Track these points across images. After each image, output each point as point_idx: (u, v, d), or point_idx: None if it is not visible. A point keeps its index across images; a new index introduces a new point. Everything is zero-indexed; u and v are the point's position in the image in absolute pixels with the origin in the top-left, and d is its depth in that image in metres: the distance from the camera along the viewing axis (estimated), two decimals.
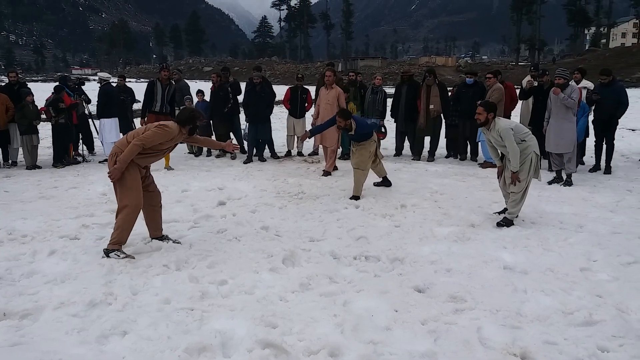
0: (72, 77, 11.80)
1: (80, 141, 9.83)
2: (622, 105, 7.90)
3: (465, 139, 9.36)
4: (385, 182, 7.18)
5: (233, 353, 2.95)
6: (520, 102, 9.18)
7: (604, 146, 8.17)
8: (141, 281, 3.89)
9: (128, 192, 4.36)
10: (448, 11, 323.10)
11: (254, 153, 9.39)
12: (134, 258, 4.29)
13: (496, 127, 5.21)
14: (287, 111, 10.05)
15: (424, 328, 3.23)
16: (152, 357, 2.88)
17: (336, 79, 8.72)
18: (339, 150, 8.87)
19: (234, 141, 9.81)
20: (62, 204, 6.29)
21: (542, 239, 4.92)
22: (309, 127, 9.11)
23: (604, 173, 8.05)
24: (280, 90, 11.49)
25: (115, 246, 4.33)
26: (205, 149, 9.93)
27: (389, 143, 10.52)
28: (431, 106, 9.04)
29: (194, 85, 12.73)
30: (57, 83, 9.39)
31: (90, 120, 10.08)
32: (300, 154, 10.02)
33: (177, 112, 8.99)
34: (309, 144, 10.56)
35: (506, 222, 5.35)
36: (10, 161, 8.93)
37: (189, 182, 7.43)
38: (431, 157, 9.43)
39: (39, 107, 8.86)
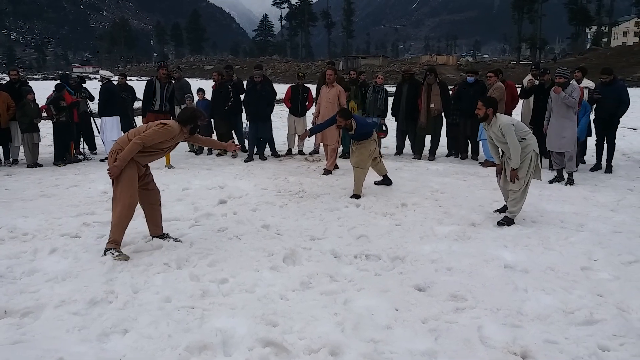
0: (73, 75, 11.82)
1: (82, 139, 9.83)
2: (623, 104, 7.88)
3: (466, 138, 9.36)
4: (386, 181, 7.18)
5: (234, 351, 2.95)
6: (521, 101, 9.16)
7: (605, 145, 8.16)
8: (142, 279, 3.89)
9: (123, 190, 4.35)
10: (449, 10, 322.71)
11: (255, 152, 9.39)
12: (127, 259, 4.27)
13: (497, 123, 5.22)
14: (287, 110, 10.05)
15: (424, 327, 3.23)
16: (153, 356, 2.89)
17: (337, 78, 8.72)
18: (340, 149, 8.86)
19: (236, 140, 9.82)
20: (63, 202, 6.30)
21: (543, 237, 4.92)
22: (309, 125, 9.10)
23: (605, 172, 8.05)
24: (281, 89, 11.51)
25: (111, 245, 4.33)
26: (206, 147, 9.93)
27: (389, 142, 10.53)
28: (432, 105, 9.04)
29: (195, 84, 12.74)
30: (58, 81, 9.39)
31: (92, 118, 10.08)
32: (301, 152, 10.02)
33: (176, 110, 9.03)
34: (309, 143, 10.56)
35: (507, 221, 5.34)
36: (11, 159, 8.94)
37: (190, 181, 7.43)
38: (432, 155, 9.43)
39: (39, 106, 8.87)
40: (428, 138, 9.44)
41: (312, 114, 9.17)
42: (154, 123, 4.51)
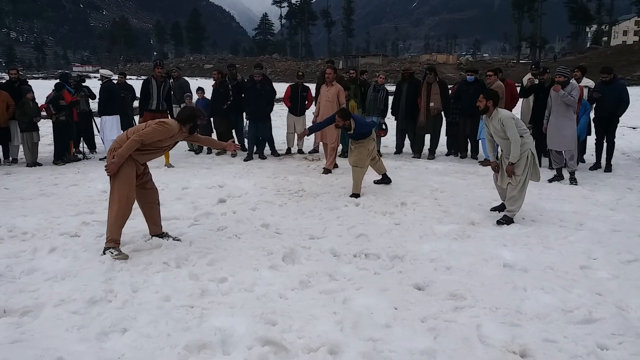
0: (72, 74, 11.81)
1: (82, 138, 9.82)
2: (623, 103, 7.89)
3: (465, 137, 9.35)
4: (385, 179, 7.18)
5: (233, 350, 2.95)
6: (520, 100, 9.16)
7: (605, 144, 8.17)
8: (141, 278, 3.89)
9: (121, 188, 4.34)
10: (449, 8, 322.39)
11: (254, 151, 9.39)
12: (126, 258, 4.27)
13: (498, 116, 5.25)
14: (287, 109, 10.05)
15: (423, 326, 3.23)
16: (152, 355, 2.89)
17: (337, 77, 8.71)
18: (339, 148, 8.86)
19: (236, 140, 9.82)
20: (63, 201, 6.29)
21: (542, 236, 4.92)
22: (309, 124, 9.10)
23: (605, 171, 8.05)
24: (281, 88, 11.49)
25: (110, 244, 4.32)
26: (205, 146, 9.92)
27: (389, 141, 10.53)
28: (431, 104, 9.03)
29: (195, 83, 12.73)
30: (57, 80, 9.38)
31: (92, 117, 10.07)
32: (300, 151, 10.02)
33: (174, 109, 9.04)
34: (309, 142, 10.55)
35: (506, 220, 5.35)
36: (10, 158, 8.94)
37: (189, 180, 7.43)
38: (431, 154, 9.43)
39: (39, 105, 8.86)
40: (428, 137, 9.44)
41: (313, 113, 9.17)
42: (153, 121, 4.50)
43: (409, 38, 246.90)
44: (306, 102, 9.85)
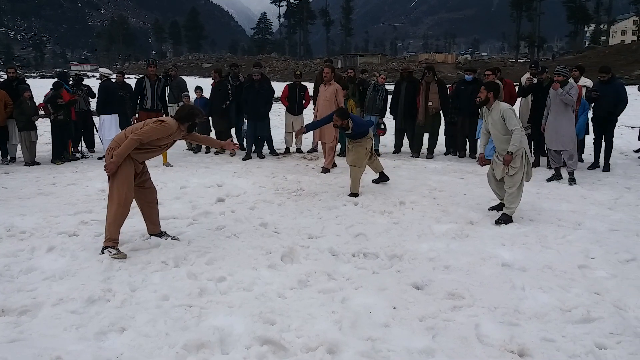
0: (71, 73, 11.80)
1: (82, 138, 9.80)
2: (621, 102, 7.90)
3: (464, 136, 9.36)
4: (383, 177, 7.18)
5: (231, 349, 2.95)
6: (519, 100, 9.16)
7: (603, 143, 8.18)
8: (140, 278, 3.89)
9: (119, 187, 4.34)
10: (448, 8, 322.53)
11: (253, 150, 9.38)
12: (125, 257, 4.26)
13: (498, 107, 5.29)
14: (285, 108, 10.04)
15: (422, 325, 3.23)
16: (151, 354, 2.89)
17: (336, 76, 8.71)
18: (338, 147, 8.86)
19: (235, 140, 9.81)
20: (61, 200, 6.28)
21: (540, 236, 4.93)
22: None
23: (603, 170, 8.06)
24: (280, 87, 11.48)
25: (109, 243, 4.31)
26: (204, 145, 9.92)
27: (388, 140, 10.53)
28: (430, 103, 9.03)
29: (193, 82, 12.71)
30: (56, 79, 9.37)
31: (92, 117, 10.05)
32: (299, 150, 10.01)
33: (173, 108, 9.04)
34: (308, 141, 10.55)
35: (505, 219, 5.35)
36: (8, 157, 8.92)
37: (188, 179, 7.42)
38: (430, 154, 9.43)
39: (37, 104, 8.84)
40: (426, 136, 9.45)
41: (313, 112, 9.15)
42: (151, 120, 4.50)
43: (407, 37, 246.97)
44: (304, 102, 9.83)
